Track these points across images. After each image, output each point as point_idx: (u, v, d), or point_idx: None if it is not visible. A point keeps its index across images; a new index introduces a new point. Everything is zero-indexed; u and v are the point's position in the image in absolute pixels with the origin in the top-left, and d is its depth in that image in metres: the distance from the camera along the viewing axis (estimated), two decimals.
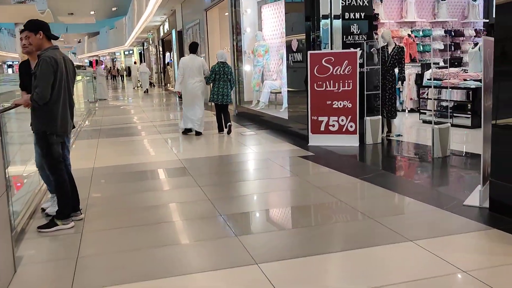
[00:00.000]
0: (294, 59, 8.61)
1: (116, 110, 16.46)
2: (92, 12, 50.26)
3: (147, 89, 24.51)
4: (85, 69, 32.67)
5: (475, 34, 12.90)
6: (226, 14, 15.67)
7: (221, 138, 9.19)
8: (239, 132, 9.59)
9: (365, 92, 7.77)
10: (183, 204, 5.07)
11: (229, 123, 9.15)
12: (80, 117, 13.22)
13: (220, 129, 9.29)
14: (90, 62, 68.73)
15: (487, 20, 12.95)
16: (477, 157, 5.43)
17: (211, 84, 9.12)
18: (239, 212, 4.73)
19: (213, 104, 9.42)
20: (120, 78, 43.97)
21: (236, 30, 12.24)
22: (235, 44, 12.34)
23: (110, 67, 53.16)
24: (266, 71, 11.95)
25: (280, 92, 10.91)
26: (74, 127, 4.56)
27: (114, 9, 49.08)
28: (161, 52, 30.41)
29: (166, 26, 25.74)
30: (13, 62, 56.67)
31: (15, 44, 31.63)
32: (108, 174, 6.61)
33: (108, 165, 7.09)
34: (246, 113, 11.87)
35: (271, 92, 11.12)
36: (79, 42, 72.30)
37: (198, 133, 9.22)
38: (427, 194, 5.04)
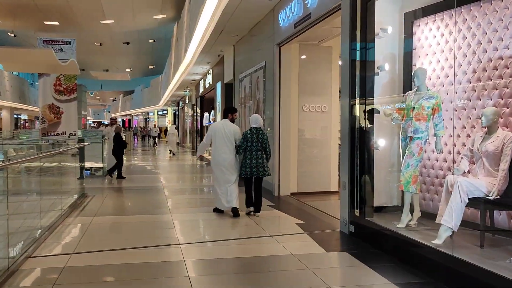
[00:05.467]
0: None
1: (122, 200, 10.06)
2: (128, 69, 45.97)
3: (173, 153, 22.38)
4: (98, 127, 27.59)
5: None
6: (303, 57, 9.56)
7: None
8: None
9: None
10: None
11: (258, 212, 7.26)
12: (51, 213, 6.89)
13: (249, 204, 7.33)
14: (123, 121, 64.27)
15: None
16: None
17: (242, 154, 7.19)
18: None
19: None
20: (151, 139, 38.22)
21: (363, 65, 5.88)
22: (355, 92, 5.94)
23: (140, 128, 48.19)
24: (432, 149, 5.48)
25: (497, 207, 4.36)
26: None
27: (151, 67, 44.71)
28: (199, 113, 24.55)
29: (209, 79, 19.95)
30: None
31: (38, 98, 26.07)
32: None
33: None
34: (380, 237, 5.36)
35: (468, 205, 4.53)
36: (114, 100, 68.29)
37: (235, 214, 7.19)
38: None
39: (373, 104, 5.84)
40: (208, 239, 6.14)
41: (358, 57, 5.90)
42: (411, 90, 5.66)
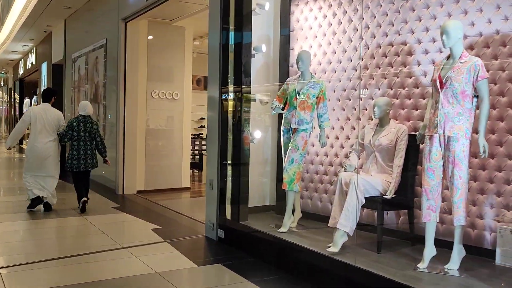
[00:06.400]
0: None
1: None
2: None
3: None
4: None
5: None
6: (150, 37, 8.47)
7: None
8: None
9: None
10: None
11: (85, 199, 6.51)
12: None
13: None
14: None
15: None
16: None
17: (68, 144, 6.59)
18: None
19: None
20: None
21: (237, 45, 5.02)
22: (227, 78, 5.07)
23: None
24: (312, 142, 4.92)
25: (394, 207, 3.95)
26: None
27: None
28: (18, 98, 21.24)
29: (31, 59, 17.17)
30: None
31: None
32: None
33: None
34: (259, 244, 4.62)
35: (364, 206, 4.00)
36: None
37: (48, 207, 6.47)
38: None
39: (249, 92, 5.05)
40: (38, 258, 4.65)
41: (232, 36, 5.03)
42: (290, 76, 5.04)
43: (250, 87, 5.00)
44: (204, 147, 12.43)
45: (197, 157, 11.97)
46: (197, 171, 11.31)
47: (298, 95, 4.62)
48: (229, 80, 5.02)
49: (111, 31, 8.65)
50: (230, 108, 5.03)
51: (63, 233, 5.61)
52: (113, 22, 8.55)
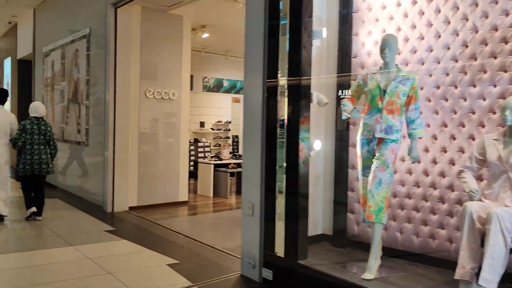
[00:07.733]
0: None
1: None
2: None
3: None
4: None
5: None
6: (135, 29, 7.02)
7: None
8: None
9: None
10: None
11: (35, 210, 5.82)
12: None
13: (30, 204, 5.85)
14: None
15: None
16: None
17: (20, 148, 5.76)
18: None
19: None
20: None
21: (294, 23, 3.68)
22: (277, 68, 3.72)
23: None
24: (402, 156, 3.63)
25: None
26: None
27: None
28: None
29: None
30: None
31: None
32: None
33: None
34: None
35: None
36: None
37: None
38: None
39: (309, 86, 3.71)
40: None
41: (283, 13, 3.69)
42: (352, 70, 3.76)
43: (310, 78, 3.65)
44: (192, 152, 10.97)
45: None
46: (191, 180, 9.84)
47: (384, 93, 3.34)
48: (279, 71, 3.67)
49: (97, 19, 7.09)
50: (284, 109, 3.68)
51: (53, 275, 4.08)
52: (99, 8, 6.99)
